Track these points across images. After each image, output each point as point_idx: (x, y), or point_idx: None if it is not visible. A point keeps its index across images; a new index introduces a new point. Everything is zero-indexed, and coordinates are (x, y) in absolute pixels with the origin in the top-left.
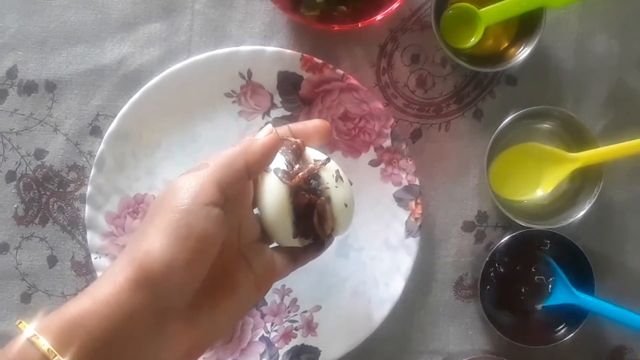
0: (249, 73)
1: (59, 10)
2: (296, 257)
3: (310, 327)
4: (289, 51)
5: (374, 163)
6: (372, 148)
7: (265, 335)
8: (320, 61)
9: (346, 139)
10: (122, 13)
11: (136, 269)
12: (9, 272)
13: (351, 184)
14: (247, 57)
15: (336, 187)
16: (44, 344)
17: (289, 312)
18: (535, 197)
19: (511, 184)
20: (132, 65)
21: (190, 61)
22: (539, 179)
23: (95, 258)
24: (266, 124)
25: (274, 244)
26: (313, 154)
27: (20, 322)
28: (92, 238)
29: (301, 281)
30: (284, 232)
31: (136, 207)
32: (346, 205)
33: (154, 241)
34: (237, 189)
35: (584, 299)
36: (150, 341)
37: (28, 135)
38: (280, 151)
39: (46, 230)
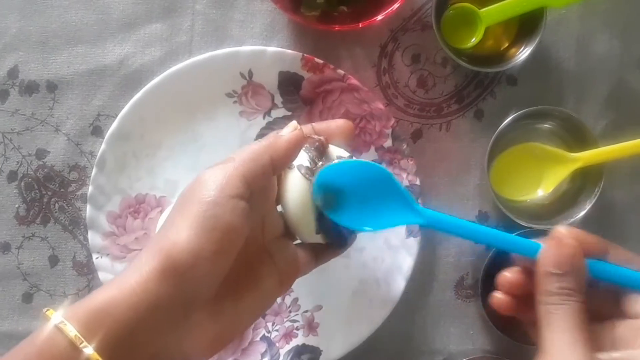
0: (250, 73)
1: (60, 11)
2: (319, 253)
3: (311, 326)
4: (289, 51)
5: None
6: (372, 148)
7: (266, 334)
8: (321, 61)
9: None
10: (123, 13)
11: (163, 260)
12: (10, 272)
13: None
14: (248, 57)
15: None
16: (71, 330)
17: (290, 311)
18: (536, 197)
19: (512, 184)
20: (133, 66)
21: (191, 61)
22: (540, 179)
23: (97, 258)
24: (285, 122)
25: (297, 241)
26: (336, 152)
27: (47, 310)
28: (94, 238)
29: (302, 281)
30: (307, 228)
31: (137, 207)
32: None
33: (180, 232)
34: (262, 183)
35: (428, 215)
36: (175, 331)
37: (29, 136)
38: (303, 148)
39: (47, 230)
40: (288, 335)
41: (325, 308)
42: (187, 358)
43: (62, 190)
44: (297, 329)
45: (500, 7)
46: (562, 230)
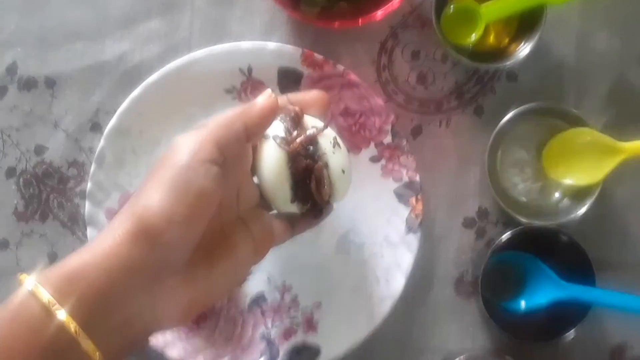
0: (249, 69)
1: (58, 7)
2: (295, 223)
3: (310, 324)
4: (289, 47)
5: (374, 159)
6: (372, 144)
7: (266, 332)
8: (320, 57)
9: (346, 135)
10: (122, 9)
11: (135, 223)
12: (9, 269)
13: (348, 151)
14: (248, 53)
15: (333, 153)
16: (44, 294)
17: (289, 309)
18: (585, 183)
19: (564, 166)
20: (132, 62)
21: (190, 57)
22: (589, 167)
23: None
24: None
25: (273, 212)
26: (311, 122)
27: (21, 274)
28: (93, 234)
29: (301, 278)
30: (282, 197)
31: None
32: (343, 172)
33: (153, 196)
34: (235, 149)
35: (574, 289)
36: (148, 295)
37: (28, 132)
38: (278, 118)
39: (46, 227)
40: (287, 333)
41: (325, 305)
42: (160, 323)
43: (60, 186)
44: (296, 326)
45: (501, 4)
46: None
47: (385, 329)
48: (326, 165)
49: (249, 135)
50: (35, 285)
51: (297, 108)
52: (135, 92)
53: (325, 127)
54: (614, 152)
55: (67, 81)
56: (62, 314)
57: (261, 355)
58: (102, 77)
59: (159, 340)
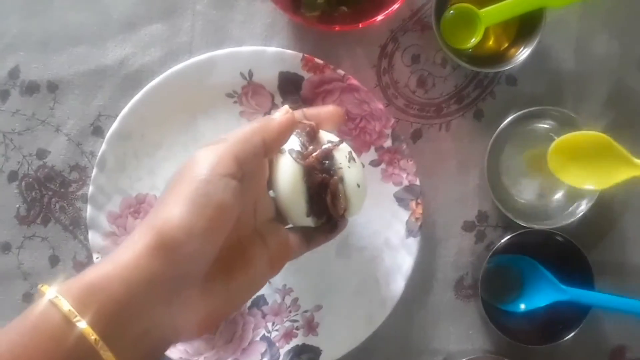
0: (250, 73)
1: (60, 11)
2: (310, 237)
3: (311, 326)
4: (290, 52)
5: (374, 163)
6: (372, 148)
7: (267, 334)
8: (321, 62)
9: (347, 139)
10: (123, 14)
11: (155, 236)
12: (11, 272)
13: (363, 166)
14: (248, 57)
15: (349, 167)
16: (65, 305)
17: (290, 311)
18: (588, 188)
19: (570, 168)
20: (134, 66)
21: (192, 61)
22: (597, 173)
23: (97, 258)
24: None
25: (289, 225)
26: (326, 137)
27: (42, 285)
28: (94, 238)
29: (302, 281)
30: (298, 211)
31: (138, 207)
32: (359, 186)
33: (173, 210)
34: (253, 164)
35: (573, 293)
36: (167, 307)
37: (30, 136)
38: (294, 133)
39: (48, 230)
40: (288, 335)
41: (325, 308)
42: (178, 334)
43: (62, 190)
44: (297, 328)
45: (500, 8)
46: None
47: (385, 332)
48: (342, 180)
49: (267, 150)
50: (56, 296)
51: (312, 123)
52: (137, 97)
53: (341, 141)
54: (629, 166)
55: (69, 85)
56: (82, 325)
57: (262, 357)
58: (103, 81)
59: None
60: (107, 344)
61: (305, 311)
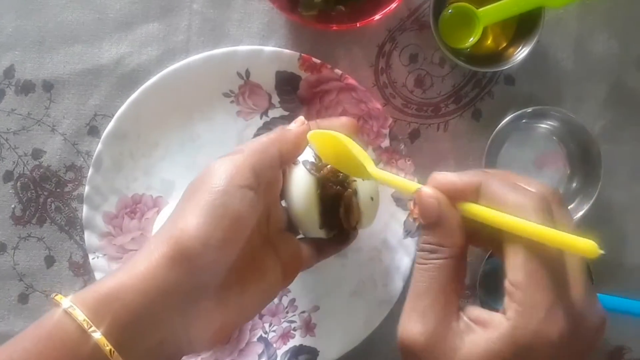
0: (247, 73)
1: (56, 10)
2: (321, 248)
3: (308, 327)
4: (287, 51)
5: None
6: (370, 148)
7: (264, 335)
8: (318, 61)
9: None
10: (119, 13)
11: (172, 246)
12: (6, 273)
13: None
14: (245, 57)
15: (363, 180)
16: (80, 315)
17: (287, 312)
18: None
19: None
20: (130, 65)
21: (188, 61)
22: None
23: (93, 258)
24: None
25: (300, 236)
26: None
27: (56, 295)
28: (90, 238)
29: (299, 281)
30: (311, 223)
31: (134, 207)
32: (372, 199)
33: (190, 220)
34: (270, 175)
35: None
36: (183, 317)
37: (25, 135)
38: (308, 145)
39: (44, 231)
40: (285, 336)
41: (323, 309)
42: (193, 345)
43: (58, 190)
44: (294, 329)
45: (498, 7)
46: (432, 179)
47: (383, 333)
48: (355, 193)
49: (283, 161)
50: (71, 306)
51: None
52: (133, 96)
53: None
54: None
55: (64, 85)
56: (97, 335)
57: (259, 359)
58: (99, 81)
59: None
60: (121, 355)
61: (303, 312)
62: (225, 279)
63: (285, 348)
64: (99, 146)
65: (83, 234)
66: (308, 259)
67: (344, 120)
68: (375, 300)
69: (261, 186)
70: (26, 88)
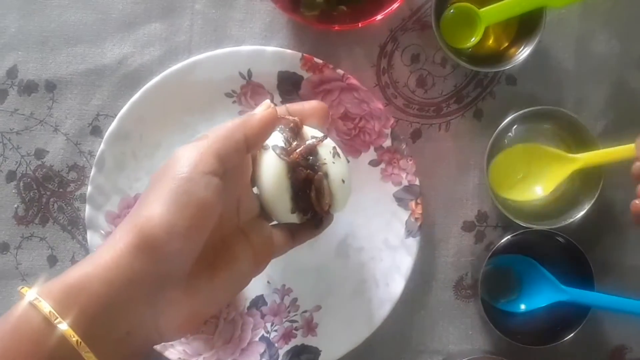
0: (249, 73)
1: (59, 10)
2: (295, 234)
3: (310, 327)
4: (289, 51)
5: (374, 163)
6: (372, 148)
7: (265, 335)
8: (320, 61)
9: (346, 138)
10: (122, 13)
11: (137, 235)
12: (9, 272)
13: (348, 161)
14: (248, 57)
15: (333, 163)
16: (45, 307)
17: (289, 312)
18: (535, 198)
19: (511, 183)
20: (133, 65)
21: (191, 61)
22: (539, 180)
23: None
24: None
25: (274, 222)
26: (310, 132)
27: (22, 287)
28: (93, 238)
29: (301, 281)
30: (282, 208)
31: None
32: (343, 181)
33: (154, 208)
34: (235, 160)
35: (573, 293)
36: (150, 307)
37: (28, 135)
38: (278, 129)
39: (46, 230)
40: (287, 336)
41: (325, 308)
42: (162, 335)
43: (61, 190)
44: (296, 329)
45: (500, 7)
46: None
47: (385, 332)
48: (326, 175)
49: (249, 146)
50: (36, 298)
51: (296, 119)
52: (136, 96)
53: (325, 137)
54: (566, 163)
55: (67, 85)
56: (63, 326)
57: (261, 358)
58: (102, 81)
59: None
60: (89, 345)
61: (305, 311)
62: (194, 267)
63: (287, 347)
64: (102, 146)
65: (86, 233)
66: (281, 245)
67: (314, 103)
68: (377, 299)
69: (227, 173)
70: (29, 88)
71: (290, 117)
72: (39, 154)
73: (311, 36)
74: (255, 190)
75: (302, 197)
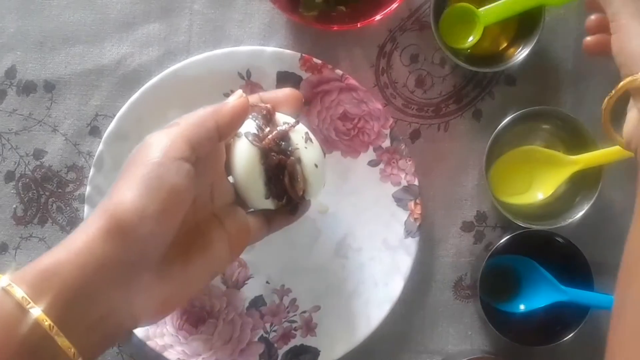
0: (248, 73)
1: (57, 11)
2: (271, 220)
3: (309, 327)
4: (288, 51)
5: (373, 163)
6: (371, 148)
7: (265, 335)
8: (319, 61)
9: (345, 139)
10: (121, 13)
11: (108, 219)
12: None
13: (325, 154)
14: (246, 57)
15: (306, 147)
16: (18, 292)
17: (288, 312)
18: (535, 200)
19: (511, 187)
20: (131, 66)
21: (189, 61)
22: (539, 182)
23: None
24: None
25: (250, 210)
26: (283, 119)
27: None
28: None
29: (300, 281)
30: (256, 194)
31: None
32: (317, 166)
33: (125, 193)
34: (207, 148)
35: (572, 293)
36: (124, 292)
37: (27, 136)
38: (250, 116)
39: (45, 231)
40: (286, 336)
41: (324, 308)
42: (136, 319)
43: (59, 190)
44: (295, 329)
45: (499, 7)
46: None
47: (384, 332)
48: (299, 160)
49: (221, 134)
50: (9, 284)
51: (268, 106)
52: (134, 96)
53: (297, 122)
54: (566, 165)
55: (66, 85)
56: (36, 311)
57: (260, 359)
58: (101, 81)
59: (158, 343)
60: (62, 330)
61: (304, 312)
62: (168, 252)
63: (286, 348)
64: (101, 146)
65: None
66: (256, 232)
67: (287, 91)
68: (376, 300)
69: (199, 160)
70: (28, 88)
71: (263, 105)
72: (38, 154)
73: (310, 36)
74: (230, 178)
75: (276, 182)
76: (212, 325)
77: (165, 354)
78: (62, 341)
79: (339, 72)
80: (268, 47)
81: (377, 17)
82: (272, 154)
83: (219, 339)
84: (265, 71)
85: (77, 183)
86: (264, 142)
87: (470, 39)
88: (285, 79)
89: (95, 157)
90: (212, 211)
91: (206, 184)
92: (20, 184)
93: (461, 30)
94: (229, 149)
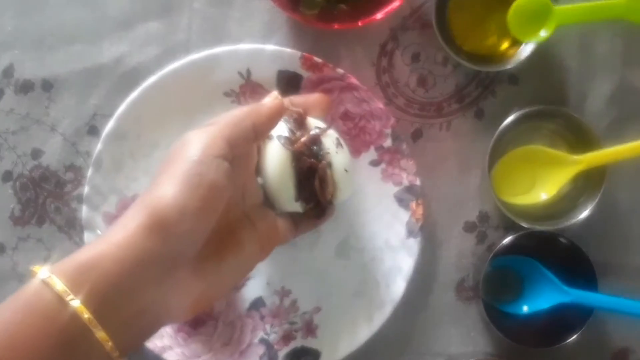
0: (248, 72)
1: (56, 9)
2: (298, 222)
3: (310, 328)
4: (288, 50)
5: (374, 163)
6: (372, 148)
7: (265, 337)
8: (320, 60)
9: (346, 138)
10: (120, 11)
11: (149, 215)
12: (5, 274)
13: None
14: (247, 56)
15: (337, 152)
16: (58, 284)
17: (288, 313)
18: (538, 200)
19: (514, 187)
20: (130, 64)
21: (189, 60)
22: (542, 182)
23: None
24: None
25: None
26: (313, 123)
27: (35, 266)
28: (90, 239)
29: (301, 282)
30: (286, 196)
31: None
32: (346, 171)
33: (166, 189)
34: (244, 147)
35: (576, 294)
36: (160, 287)
37: (24, 135)
38: (282, 120)
39: (43, 231)
40: (287, 338)
41: (325, 310)
42: (170, 315)
43: (57, 190)
44: (295, 331)
45: (577, 8)
46: None
47: (386, 334)
48: (329, 165)
49: (257, 135)
50: (50, 276)
51: (300, 110)
52: (133, 95)
53: (328, 127)
54: (569, 165)
55: (64, 84)
56: (75, 303)
57: None
58: (99, 80)
59: (157, 344)
60: (100, 323)
61: (304, 313)
62: (203, 250)
63: (286, 349)
64: (99, 146)
65: (83, 234)
66: (285, 234)
67: (317, 96)
68: (378, 300)
69: (235, 160)
70: (25, 87)
71: (294, 108)
72: (36, 154)
73: (311, 35)
74: (259, 180)
75: (306, 185)
76: (211, 327)
77: (165, 355)
78: (100, 334)
79: (340, 71)
80: (268, 45)
81: (379, 16)
82: (304, 157)
83: (218, 340)
84: (266, 70)
85: (76, 183)
86: (296, 146)
87: (543, 33)
88: (285, 78)
89: (93, 157)
90: (242, 211)
91: (239, 184)
92: (17, 184)
93: (530, 23)
94: (260, 151)
